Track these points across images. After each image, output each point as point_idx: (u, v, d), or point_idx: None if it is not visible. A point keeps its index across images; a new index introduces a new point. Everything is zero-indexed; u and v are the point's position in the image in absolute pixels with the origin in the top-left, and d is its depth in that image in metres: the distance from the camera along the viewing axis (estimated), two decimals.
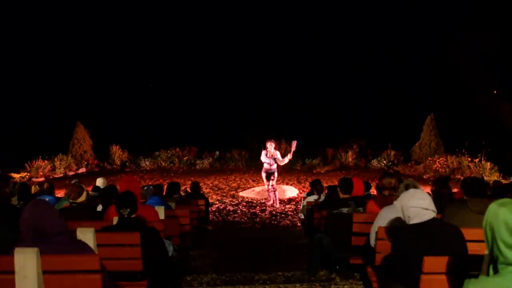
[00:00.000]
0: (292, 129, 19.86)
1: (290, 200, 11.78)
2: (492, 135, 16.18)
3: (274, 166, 10.40)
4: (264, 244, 7.09)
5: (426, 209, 2.69)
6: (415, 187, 3.56)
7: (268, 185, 10.65)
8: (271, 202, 10.89)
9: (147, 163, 18.66)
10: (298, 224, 8.90)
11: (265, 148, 10.38)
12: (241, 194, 12.73)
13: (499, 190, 5.98)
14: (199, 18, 27.08)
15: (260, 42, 26.18)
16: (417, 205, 2.69)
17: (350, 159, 18.63)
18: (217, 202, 11.48)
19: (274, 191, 10.79)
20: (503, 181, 9.89)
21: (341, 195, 4.86)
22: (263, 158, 10.37)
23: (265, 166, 10.40)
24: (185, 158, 18.98)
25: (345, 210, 4.63)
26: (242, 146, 19.45)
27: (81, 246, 2.56)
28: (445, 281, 2.44)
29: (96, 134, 18.57)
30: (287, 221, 9.38)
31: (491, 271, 1.68)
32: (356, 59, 25.35)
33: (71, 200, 4.44)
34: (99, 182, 7.73)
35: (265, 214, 10.05)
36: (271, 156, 10.22)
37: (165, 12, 26.82)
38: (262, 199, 11.58)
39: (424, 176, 15.17)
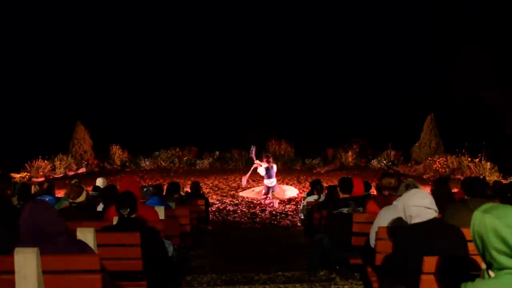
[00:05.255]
0: (292, 129, 19.91)
1: (290, 200, 11.78)
2: (492, 135, 16.17)
3: (274, 182, 10.73)
4: (264, 244, 7.09)
5: (428, 208, 2.68)
6: (416, 187, 3.55)
7: (266, 195, 10.97)
8: (271, 204, 10.99)
9: (147, 163, 18.66)
10: (298, 224, 8.90)
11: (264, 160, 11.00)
12: (241, 194, 12.72)
13: (499, 190, 5.97)
14: (199, 18, 27.09)
15: (260, 41, 26.18)
16: (419, 204, 2.69)
17: (350, 159, 18.63)
18: (217, 202, 11.48)
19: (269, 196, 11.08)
20: (503, 181, 9.88)
21: (341, 195, 4.85)
22: (261, 171, 10.92)
23: (266, 183, 10.79)
24: (185, 158, 18.98)
25: (345, 210, 4.63)
26: (242, 146, 19.45)
27: (81, 246, 2.56)
28: (445, 281, 2.43)
29: (96, 134, 18.56)
30: (287, 221, 9.38)
31: (486, 275, 1.67)
32: (356, 59, 25.34)
33: (71, 200, 4.44)
34: (99, 182, 7.73)
35: (265, 214, 10.06)
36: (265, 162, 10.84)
37: (165, 12, 26.83)
38: (262, 199, 11.59)
39: (424, 176, 15.16)
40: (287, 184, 14.24)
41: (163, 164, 18.69)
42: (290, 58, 26.43)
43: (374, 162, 18.04)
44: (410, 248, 2.63)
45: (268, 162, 10.60)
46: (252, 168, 11.47)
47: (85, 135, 18.19)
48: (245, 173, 12.49)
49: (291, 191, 12.86)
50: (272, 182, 10.68)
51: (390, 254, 3.10)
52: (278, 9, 26.72)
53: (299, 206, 10.17)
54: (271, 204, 10.94)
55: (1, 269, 2.38)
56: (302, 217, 8.37)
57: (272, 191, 10.90)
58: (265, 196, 10.90)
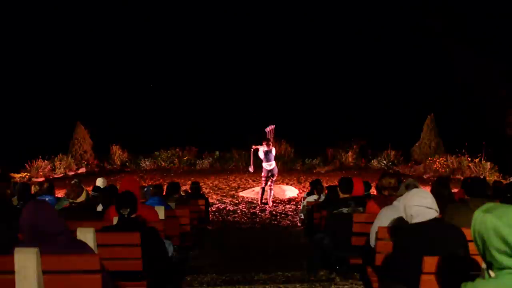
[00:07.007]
0: (292, 129, 19.89)
1: (290, 200, 11.78)
2: (492, 135, 16.15)
3: (273, 165, 10.62)
4: (264, 244, 7.09)
5: (429, 208, 2.68)
6: (416, 187, 3.56)
7: (265, 184, 10.81)
8: (264, 200, 10.95)
9: (147, 163, 18.66)
10: (298, 224, 8.90)
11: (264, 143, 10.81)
12: (241, 194, 12.73)
13: (499, 190, 5.97)
14: (199, 17, 27.08)
15: (260, 41, 26.17)
16: (419, 203, 2.69)
17: (350, 159, 18.63)
18: (217, 202, 11.48)
19: (271, 189, 10.92)
20: (503, 181, 9.88)
21: (341, 195, 4.86)
22: (261, 154, 10.71)
23: (265, 166, 10.62)
24: (185, 158, 18.98)
25: (345, 210, 4.63)
26: (242, 146, 19.44)
27: (81, 246, 2.56)
28: (446, 281, 2.43)
29: (96, 134, 18.56)
30: (287, 221, 9.38)
31: (486, 275, 1.67)
32: (356, 58, 25.33)
33: (71, 200, 4.44)
34: (99, 182, 7.72)
35: (265, 214, 10.06)
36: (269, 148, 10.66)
37: (165, 12, 26.83)
38: (262, 181, 11.52)
39: (424, 176, 15.16)
40: (287, 184, 14.24)
41: (163, 164, 18.69)
42: (290, 58, 26.43)
43: (374, 162, 18.04)
44: (410, 248, 2.63)
45: (267, 145, 10.65)
46: (252, 152, 11.45)
47: (85, 135, 18.19)
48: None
49: (291, 191, 12.86)
50: (270, 165, 10.69)
51: (390, 254, 3.10)
52: (278, 9, 26.74)
53: (299, 206, 10.16)
54: (269, 198, 10.90)
55: (1, 269, 2.38)
56: (302, 217, 8.37)
57: (272, 176, 10.82)
58: (264, 179, 10.87)
